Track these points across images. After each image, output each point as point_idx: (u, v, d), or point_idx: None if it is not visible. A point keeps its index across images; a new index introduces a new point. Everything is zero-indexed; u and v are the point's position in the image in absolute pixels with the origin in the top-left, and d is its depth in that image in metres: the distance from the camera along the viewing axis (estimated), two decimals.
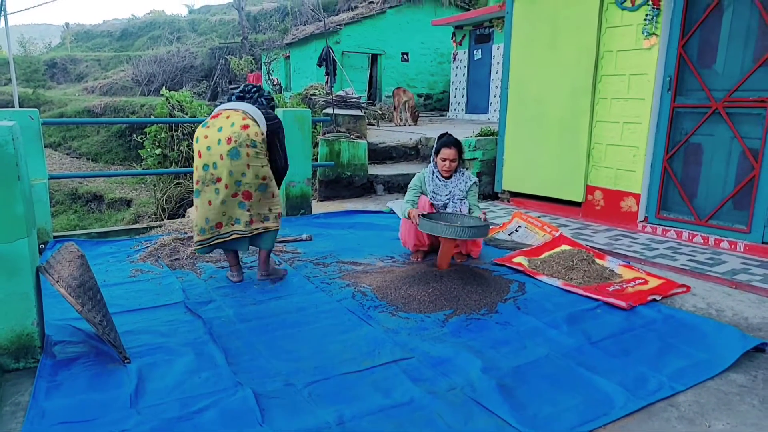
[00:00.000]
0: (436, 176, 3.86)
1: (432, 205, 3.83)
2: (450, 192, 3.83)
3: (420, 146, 8.27)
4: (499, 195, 6.23)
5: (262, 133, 3.35)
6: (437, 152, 3.83)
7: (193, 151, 3.52)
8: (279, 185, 3.69)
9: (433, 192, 3.85)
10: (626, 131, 4.80)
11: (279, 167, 3.59)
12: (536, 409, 2.09)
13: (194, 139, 3.38)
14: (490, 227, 3.56)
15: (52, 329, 2.61)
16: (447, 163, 3.77)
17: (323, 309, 3.06)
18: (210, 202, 3.31)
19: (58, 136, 20.50)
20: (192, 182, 9.81)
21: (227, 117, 3.31)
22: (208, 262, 3.88)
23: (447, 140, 3.84)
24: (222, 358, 2.44)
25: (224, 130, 3.24)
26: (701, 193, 4.48)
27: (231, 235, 3.34)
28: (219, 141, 3.23)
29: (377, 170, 7.16)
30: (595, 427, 1.99)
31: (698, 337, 2.70)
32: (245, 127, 3.24)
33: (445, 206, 3.84)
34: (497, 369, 2.38)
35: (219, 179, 3.25)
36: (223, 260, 3.92)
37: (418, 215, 3.56)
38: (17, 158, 2.28)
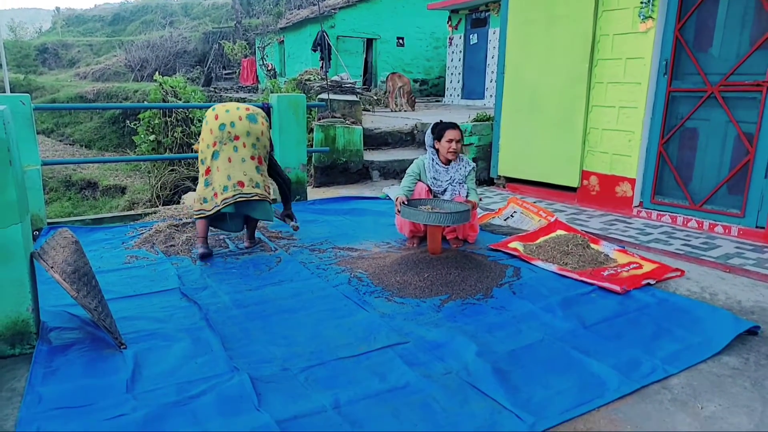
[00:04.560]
0: (436, 163, 3.85)
1: (429, 191, 3.82)
2: (450, 177, 3.83)
3: (416, 132, 8.24)
4: (495, 180, 6.23)
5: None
6: (440, 137, 3.80)
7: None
8: (290, 200, 4.08)
9: (434, 178, 3.84)
10: (622, 116, 4.79)
11: (285, 179, 3.99)
12: (531, 392, 2.11)
13: (204, 121, 3.62)
14: (474, 210, 3.58)
15: (47, 315, 2.61)
16: (454, 143, 3.75)
17: (319, 294, 3.07)
18: (230, 159, 3.52)
19: (50, 122, 20.30)
20: (186, 169, 9.70)
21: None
22: None
23: (448, 123, 3.84)
24: (218, 344, 2.44)
25: (241, 106, 3.63)
26: (696, 177, 4.49)
27: (254, 195, 3.54)
28: (238, 108, 3.59)
29: (373, 156, 7.14)
30: (589, 410, 2.01)
31: (692, 321, 2.72)
32: (255, 107, 3.70)
33: (444, 191, 3.84)
34: (492, 353, 2.39)
35: (237, 137, 3.52)
36: (219, 246, 3.92)
37: (401, 203, 3.57)
38: (9, 143, 2.26)
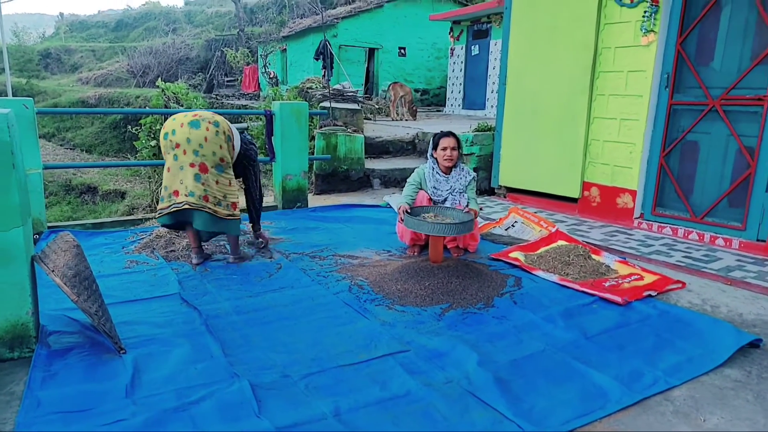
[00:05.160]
0: (437, 172, 3.87)
1: (430, 199, 3.83)
2: (451, 187, 3.84)
3: (417, 141, 8.27)
4: (496, 190, 6.24)
5: (230, 132, 3.55)
6: (436, 146, 3.84)
7: None
8: (257, 221, 3.97)
9: (434, 187, 3.85)
10: (623, 128, 4.80)
11: (254, 197, 3.86)
12: (532, 403, 2.09)
13: None
14: (475, 220, 3.60)
15: (47, 319, 2.59)
16: (448, 151, 3.78)
17: (320, 302, 3.06)
18: (169, 168, 3.47)
19: (51, 126, 20.35)
20: None
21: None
22: None
23: (444, 132, 3.90)
24: (218, 350, 2.43)
25: (190, 114, 3.54)
26: (697, 190, 4.50)
27: (184, 204, 3.42)
28: (185, 115, 3.48)
29: (374, 164, 7.15)
30: (591, 421, 2.00)
31: (693, 333, 2.71)
32: (211, 112, 3.59)
33: (445, 200, 3.85)
34: (493, 362, 2.38)
35: (177, 145, 3.41)
36: (219, 252, 3.92)
37: (404, 212, 3.57)
38: (12, 146, 2.26)
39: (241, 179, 3.87)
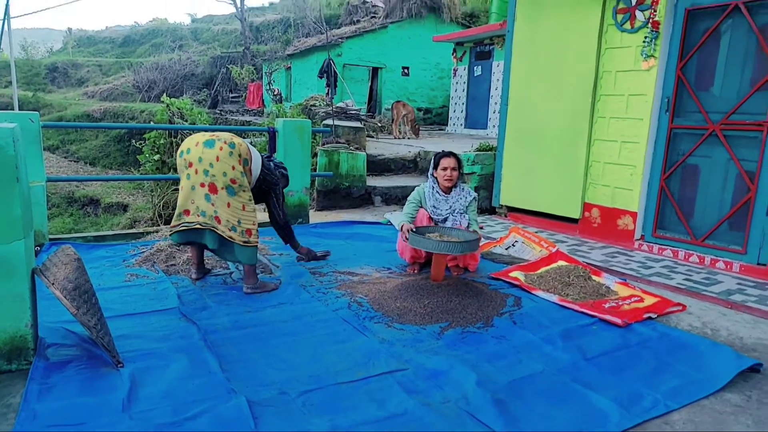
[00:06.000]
0: (437, 191, 3.88)
1: (430, 218, 3.84)
2: (450, 206, 3.85)
3: (419, 159, 8.31)
4: (497, 210, 6.25)
5: (247, 156, 3.46)
6: (436, 165, 3.86)
7: None
8: (291, 241, 4.03)
9: (434, 206, 3.86)
10: (624, 150, 4.83)
11: (278, 221, 3.88)
12: (530, 424, 2.08)
13: None
14: (480, 240, 3.60)
15: (45, 331, 2.59)
16: (448, 171, 3.80)
17: (319, 318, 3.05)
18: (183, 187, 3.44)
19: (56, 139, 20.47)
20: None
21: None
22: None
23: (445, 152, 3.92)
24: (216, 365, 2.42)
25: (207, 134, 3.47)
26: (698, 213, 4.51)
27: (195, 224, 3.39)
28: (203, 135, 3.45)
29: (375, 182, 7.19)
30: None
31: (693, 356, 2.70)
32: (232, 134, 3.50)
33: (445, 220, 3.85)
34: (492, 383, 2.37)
35: (190, 164, 3.37)
36: (219, 266, 3.92)
37: (408, 230, 3.57)
38: (17, 160, 2.28)
39: (264, 204, 3.86)
